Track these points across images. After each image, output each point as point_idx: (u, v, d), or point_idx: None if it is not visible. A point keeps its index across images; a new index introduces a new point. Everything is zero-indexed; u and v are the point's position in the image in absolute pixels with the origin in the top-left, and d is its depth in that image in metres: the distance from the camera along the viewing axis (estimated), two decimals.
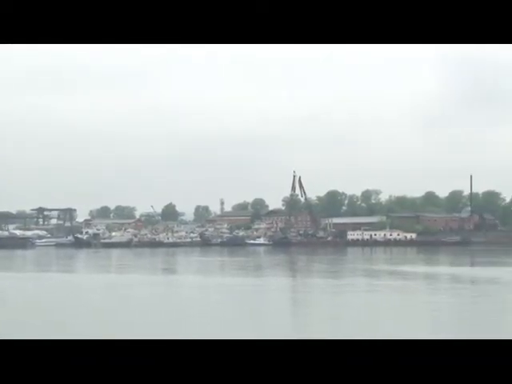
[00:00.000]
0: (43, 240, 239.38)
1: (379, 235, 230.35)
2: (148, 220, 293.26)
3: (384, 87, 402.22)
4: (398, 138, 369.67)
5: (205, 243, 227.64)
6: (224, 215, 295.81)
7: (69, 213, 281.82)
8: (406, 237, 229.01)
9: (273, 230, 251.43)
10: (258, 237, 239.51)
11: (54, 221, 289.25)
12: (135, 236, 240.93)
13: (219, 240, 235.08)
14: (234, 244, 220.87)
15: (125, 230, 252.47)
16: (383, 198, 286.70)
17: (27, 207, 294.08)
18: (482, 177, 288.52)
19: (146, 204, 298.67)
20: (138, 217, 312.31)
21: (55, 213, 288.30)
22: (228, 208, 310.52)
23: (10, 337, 8.29)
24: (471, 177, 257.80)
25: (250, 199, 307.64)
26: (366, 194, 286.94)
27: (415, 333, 40.39)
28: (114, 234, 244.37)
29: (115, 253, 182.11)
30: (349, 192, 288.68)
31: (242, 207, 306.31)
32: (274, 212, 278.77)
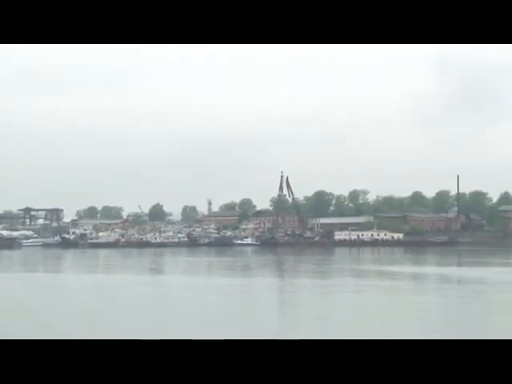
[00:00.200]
0: (30, 240, 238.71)
1: (366, 235, 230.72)
2: (135, 220, 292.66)
3: (378, 87, 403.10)
4: (387, 139, 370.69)
5: (192, 243, 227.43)
6: (211, 215, 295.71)
7: (56, 213, 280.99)
8: (393, 237, 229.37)
9: (260, 230, 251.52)
10: (246, 237, 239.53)
11: (40, 221, 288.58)
12: (122, 236, 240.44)
13: (207, 240, 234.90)
14: (222, 244, 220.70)
15: (112, 230, 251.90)
16: (371, 198, 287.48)
17: (14, 207, 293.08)
18: (469, 177, 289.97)
19: (134, 204, 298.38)
20: (125, 217, 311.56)
21: (42, 213, 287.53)
22: (215, 208, 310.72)
23: (9, 337, 8.25)
24: (458, 177, 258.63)
25: (237, 199, 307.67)
26: (354, 194, 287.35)
27: (404, 333, 40.51)
28: (101, 234, 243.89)
29: (102, 253, 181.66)
30: (336, 192, 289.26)
31: (229, 207, 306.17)
32: (262, 212, 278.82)
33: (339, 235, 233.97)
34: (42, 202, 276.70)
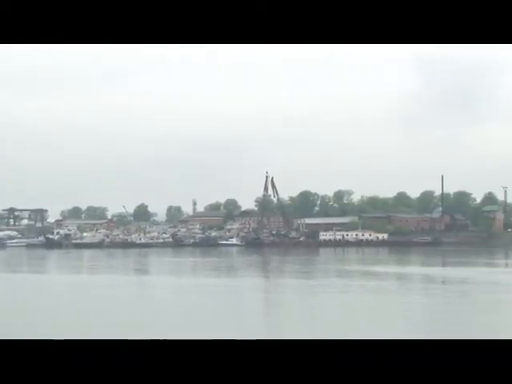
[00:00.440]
0: (14, 241, 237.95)
1: (351, 235, 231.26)
2: (120, 220, 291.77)
3: (372, 88, 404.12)
4: (372, 139, 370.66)
5: (177, 244, 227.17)
6: (196, 216, 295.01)
7: (40, 213, 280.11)
8: (377, 237, 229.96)
9: (245, 230, 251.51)
10: (231, 237, 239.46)
11: (25, 221, 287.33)
12: (107, 236, 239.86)
13: (191, 240, 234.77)
14: (207, 244, 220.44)
15: (96, 230, 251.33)
16: (355, 198, 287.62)
17: None
18: (454, 177, 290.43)
19: (118, 204, 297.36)
20: (109, 217, 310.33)
21: (26, 213, 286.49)
22: (200, 208, 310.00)
23: (9, 337, 8.24)
24: (442, 177, 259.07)
25: (222, 200, 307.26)
26: (339, 195, 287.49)
27: (390, 333, 40.67)
28: (85, 234, 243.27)
29: (87, 253, 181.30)
30: (321, 192, 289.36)
31: (214, 208, 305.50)
32: (247, 212, 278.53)
33: (324, 235, 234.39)
34: (26, 202, 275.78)
